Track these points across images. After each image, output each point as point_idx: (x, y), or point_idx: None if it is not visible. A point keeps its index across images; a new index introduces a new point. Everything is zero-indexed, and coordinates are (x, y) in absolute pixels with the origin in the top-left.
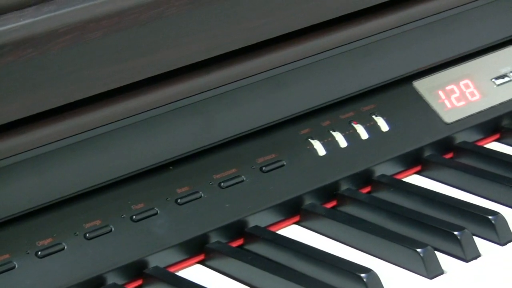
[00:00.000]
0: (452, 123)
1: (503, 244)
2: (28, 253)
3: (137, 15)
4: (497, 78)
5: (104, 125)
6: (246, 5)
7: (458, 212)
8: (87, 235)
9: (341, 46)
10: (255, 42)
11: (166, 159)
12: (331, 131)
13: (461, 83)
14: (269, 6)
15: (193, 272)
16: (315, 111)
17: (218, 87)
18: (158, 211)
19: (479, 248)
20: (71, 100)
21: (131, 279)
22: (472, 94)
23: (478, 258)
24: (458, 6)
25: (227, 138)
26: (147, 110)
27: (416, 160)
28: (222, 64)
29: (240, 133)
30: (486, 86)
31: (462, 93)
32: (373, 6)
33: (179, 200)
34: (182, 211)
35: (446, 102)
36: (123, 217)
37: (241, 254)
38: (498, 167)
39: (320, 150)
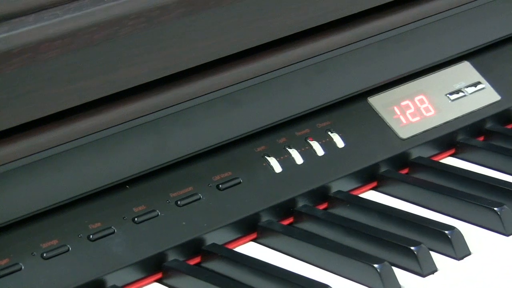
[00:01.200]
0: (407, 138)
1: (459, 258)
2: None
3: (90, 35)
4: (451, 93)
5: (59, 145)
6: (199, 25)
7: (415, 227)
8: (44, 255)
9: (296, 63)
10: (209, 60)
11: (122, 178)
12: (287, 148)
13: (416, 98)
14: (222, 25)
15: None
16: (271, 128)
17: (173, 105)
18: (115, 230)
19: (436, 263)
20: (25, 121)
21: None
22: (427, 110)
23: (435, 273)
24: (411, 23)
25: (183, 156)
26: (102, 130)
27: (372, 176)
28: (176, 83)
29: (196, 151)
30: (440, 101)
31: (417, 108)
32: (327, 23)
33: (136, 219)
34: (139, 229)
35: (401, 117)
36: (80, 237)
37: (199, 272)
38: (454, 182)
39: (276, 167)
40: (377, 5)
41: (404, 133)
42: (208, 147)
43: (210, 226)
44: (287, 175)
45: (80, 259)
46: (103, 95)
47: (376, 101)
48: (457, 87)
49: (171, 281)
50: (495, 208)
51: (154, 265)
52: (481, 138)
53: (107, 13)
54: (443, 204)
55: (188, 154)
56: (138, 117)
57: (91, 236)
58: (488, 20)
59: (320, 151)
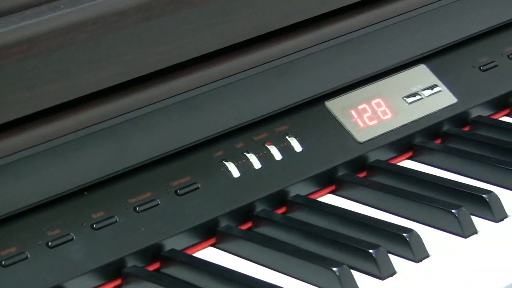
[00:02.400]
0: (365, 142)
1: (418, 261)
2: None
3: (48, 42)
4: (408, 96)
5: (17, 152)
6: (158, 29)
7: (373, 230)
8: (3, 262)
9: (253, 68)
10: (167, 66)
11: (80, 185)
12: (245, 153)
13: (373, 102)
14: (180, 30)
15: None
16: (228, 133)
17: (132, 111)
18: (74, 237)
19: (394, 265)
20: None
21: None
22: (384, 113)
23: (394, 276)
24: (368, 26)
25: (141, 162)
26: (60, 136)
27: (330, 180)
28: (134, 88)
29: (154, 157)
30: (397, 104)
31: (374, 112)
32: (284, 27)
33: (94, 225)
34: (98, 236)
35: (359, 121)
36: (39, 244)
37: (158, 278)
38: (412, 184)
39: (235, 172)
40: (333, 9)
41: (361, 137)
42: (166, 152)
43: (169, 231)
44: (245, 180)
45: (39, 266)
46: (61, 102)
47: (334, 105)
48: (414, 90)
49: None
50: (453, 210)
51: (114, 272)
52: (438, 141)
53: (65, 19)
54: (401, 207)
55: (146, 160)
56: (96, 123)
57: (50, 243)
58: (444, 23)
59: (278, 156)
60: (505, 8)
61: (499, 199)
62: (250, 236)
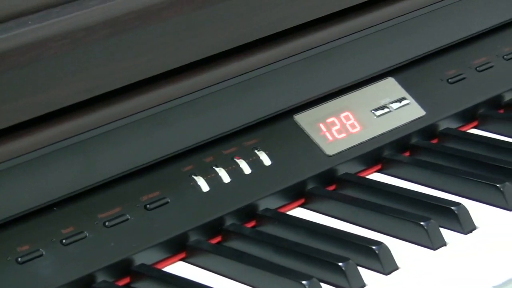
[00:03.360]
0: (333, 155)
1: (387, 273)
2: None
3: (15, 58)
4: (376, 109)
5: None
6: (125, 44)
7: (342, 243)
8: None
9: (222, 82)
10: (135, 80)
11: (49, 200)
12: (214, 167)
13: (342, 115)
14: (148, 45)
15: None
16: (197, 147)
17: (100, 126)
18: (44, 253)
19: (364, 278)
20: None
21: None
22: (353, 126)
23: None
24: (335, 40)
25: (111, 177)
26: (29, 152)
27: (299, 193)
28: (102, 103)
29: (123, 172)
30: (366, 117)
31: (343, 125)
32: (251, 42)
33: (64, 241)
34: (67, 251)
35: (327, 134)
36: (9, 260)
37: None
38: (381, 197)
39: (204, 186)
40: (300, 23)
41: (330, 150)
42: (136, 167)
43: (139, 246)
44: (215, 194)
45: (8, 282)
46: (30, 117)
47: (302, 119)
48: (382, 103)
49: None
50: (422, 223)
51: (83, 287)
52: (407, 153)
53: (32, 35)
54: (371, 220)
55: (115, 175)
56: (65, 139)
57: (19, 259)
58: (411, 36)
59: (247, 170)
60: (472, 21)
61: (467, 211)
62: (220, 250)
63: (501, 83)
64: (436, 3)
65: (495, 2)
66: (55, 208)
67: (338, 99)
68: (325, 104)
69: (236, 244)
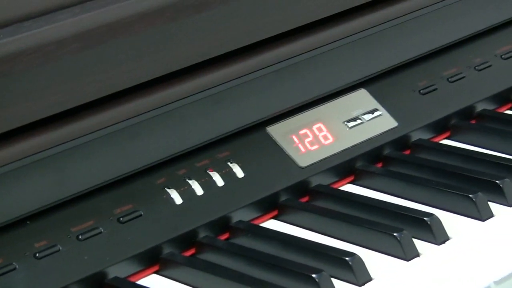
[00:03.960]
0: (306, 167)
1: (361, 284)
2: None
3: None
4: (349, 121)
5: None
6: (96, 58)
7: (316, 254)
8: None
9: (194, 94)
10: (107, 94)
11: (22, 214)
12: (187, 180)
13: (314, 127)
14: (119, 58)
15: None
16: (170, 160)
17: (72, 140)
18: (17, 266)
19: None
20: None
21: None
22: (325, 138)
23: None
24: (307, 51)
25: (83, 190)
26: (1, 166)
27: (272, 205)
28: (74, 117)
29: (96, 185)
30: (338, 129)
31: (315, 136)
32: (223, 54)
33: (37, 255)
34: (41, 265)
35: (300, 146)
36: None
37: None
38: (354, 208)
39: (177, 198)
40: (272, 35)
41: (303, 162)
42: (108, 180)
43: (112, 259)
44: (188, 207)
45: None
46: (1, 131)
47: (275, 130)
48: (354, 114)
49: None
50: (395, 234)
51: None
52: (380, 165)
53: (3, 49)
54: (344, 231)
55: (88, 188)
56: (37, 152)
57: None
58: (383, 47)
59: (220, 182)
60: (442, 32)
61: (440, 221)
62: (193, 263)
63: (472, 94)
64: (406, 14)
65: (465, 13)
66: (28, 222)
67: (311, 110)
68: (297, 116)
69: (209, 257)
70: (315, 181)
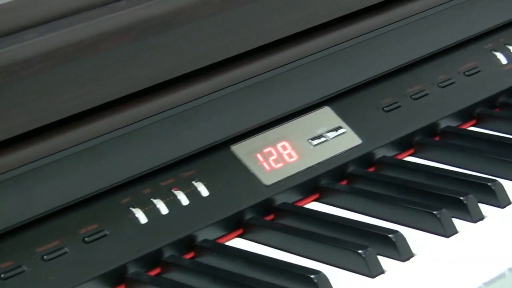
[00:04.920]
0: (271, 185)
1: None
2: None
3: None
4: (313, 138)
5: None
6: (63, 77)
7: (281, 273)
8: None
9: (159, 113)
10: (72, 113)
11: None
12: (152, 199)
13: (279, 145)
14: (85, 78)
15: None
16: (135, 179)
17: (37, 160)
18: None
19: None
20: None
21: None
22: (290, 156)
23: None
24: (271, 70)
25: (49, 210)
26: None
27: (237, 224)
28: (40, 137)
29: (62, 205)
30: (303, 147)
31: (280, 155)
32: (187, 73)
33: (2, 275)
34: (6, 286)
35: (265, 164)
36: None
37: None
38: (319, 226)
39: (142, 218)
40: (235, 54)
41: (268, 180)
42: (74, 200)
43: (78, 279)
44: (153, 226)
45: None
46: None
47: (239, 149)
48: (318, 132)
49: None
50: (360, 251)
51: None
52: (344, 182)
53: None
54: (309, 249)
55: (53, 208)
56: (3, 173)
57: None
58: (347, 65)
59: (185, 201)
60: (406, 49)
61: (405, 238)
62: (159, 282)
63: (436, 111)
64: (368, 32)
65: (428, 30)
66: None
67: (275, 129)
68: (262, 134)
69: (175, 276)
70: (280, 199)
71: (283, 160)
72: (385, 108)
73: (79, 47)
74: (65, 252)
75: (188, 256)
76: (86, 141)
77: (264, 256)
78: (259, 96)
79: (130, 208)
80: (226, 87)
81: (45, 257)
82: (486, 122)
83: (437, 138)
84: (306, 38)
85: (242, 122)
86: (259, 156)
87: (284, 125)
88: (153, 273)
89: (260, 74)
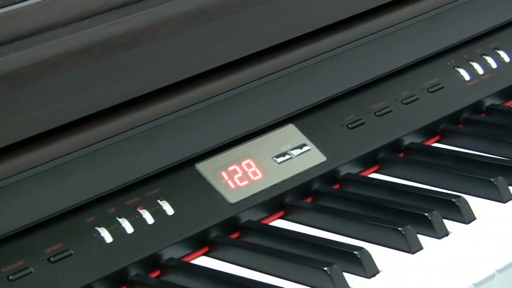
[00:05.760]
0: (236, 203)
1: None
2: None
3: None
4: (278, 156)
5: None
6: (25, 97)
7: None
8: None
9: (123, 132)
10: (36, 133)
11: None
12: (117, 218)
13: (243, 163)
14: (49, 96)
15: None
16: (100, 198)
17: (1, 180)
18: None
19: None
20: None
21: None
22: (255, 173)
23: None
24: (235, 88)
25: (13, 230)
26: None
27: (203, 242)
28: (3, 157)
29: (26, 225)
30: (267, 164)
31: (245, 172)
32: (151, 92)
33: None
34: None
35: (230, 182)
36: None
37: None
38: (284, 243)
39: (107, 237)
40: (200, 72)
41: (232, 198)
42: (38, 220)
43: None
44: (118, 245)
45: None
46: None
47: (204, 167)
48: (283, 149)
49: None
50: (325, 268)
51: None
52: (309, 199)
53: None
54: (274, 267)
55: (18, 228)
56: None
57: None
58: (311, 82)
59: (150, 219)
60: (369, 66)
61: (370, 255)
62: None
63: (400, 127)
64: (331, 50)
65: (391, 47)
66: None
67: (239, 147)
68: (226, 152)
69: None
70: (245, 217)
71: (248, 178)
72: (349, 125)
73: (41, 67)
74: (30, 272)
75: (154, 274)
76: (49, 161)
77: (230, 274)
78: (224, 114)
79: (95, 227)
80: (189, 106)
81: (10, 277)
82: (450, 138)
83: (401, 155)
84: (268, 56)
85: (207, 140)
86: (223, 174)
87: (249, 143)
88: None
89: (224, 92)
